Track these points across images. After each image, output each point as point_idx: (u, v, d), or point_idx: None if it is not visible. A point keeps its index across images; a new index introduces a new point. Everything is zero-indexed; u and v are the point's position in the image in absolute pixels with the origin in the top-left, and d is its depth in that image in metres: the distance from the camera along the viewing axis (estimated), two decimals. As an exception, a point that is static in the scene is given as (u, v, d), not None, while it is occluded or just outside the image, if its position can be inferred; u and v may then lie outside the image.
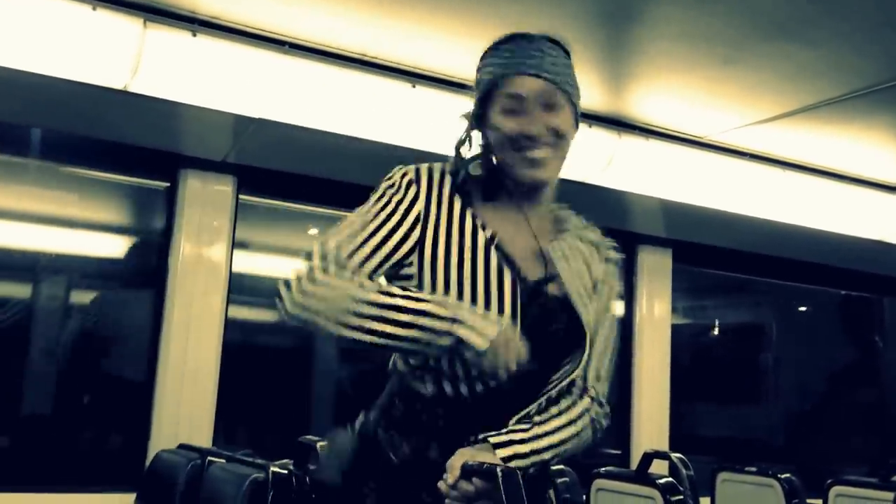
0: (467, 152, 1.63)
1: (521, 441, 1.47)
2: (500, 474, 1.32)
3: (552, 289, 1.56)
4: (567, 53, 1.63)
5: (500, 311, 1.49)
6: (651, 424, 4.19)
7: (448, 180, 1.58)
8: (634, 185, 3.57)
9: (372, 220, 1.52)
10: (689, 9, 2.49)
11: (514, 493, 1.30)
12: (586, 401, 1.57)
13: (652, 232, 4.27)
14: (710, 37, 2.66)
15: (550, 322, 1.54)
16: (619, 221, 4.13)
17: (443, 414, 1.51)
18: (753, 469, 3.45)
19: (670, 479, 2.73)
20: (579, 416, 1.56)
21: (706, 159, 3.62)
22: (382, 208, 1.53)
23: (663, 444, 4.10)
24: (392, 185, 1.56)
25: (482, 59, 1.64)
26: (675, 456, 3.23)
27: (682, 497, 2.62)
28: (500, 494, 1.30)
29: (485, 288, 1.50)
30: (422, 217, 1.54)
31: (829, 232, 4.05)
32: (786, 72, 2.89)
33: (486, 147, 1.62)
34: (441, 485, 1.39)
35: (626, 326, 4.30)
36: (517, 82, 1.57)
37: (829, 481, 3.29)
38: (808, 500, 3.27)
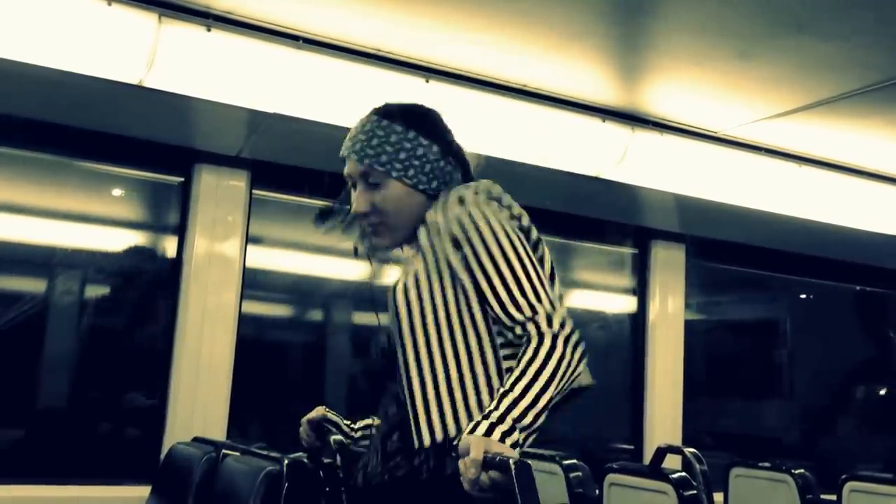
0: None
1: (509, 410, 1.45)
2: (513, 467, 1.32)
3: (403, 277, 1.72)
4: (404, 124, 1.76)
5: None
6: (664, 419, 4.18)
7: None
8: (648, 179, 3.56)
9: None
10: (704, 2, 2.49)
11: (528, 484, 1.30)
12: (545, 343, 1.52)
13: (666, 227, 4.26)
14: (726, 31, 2.66)
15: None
16: (633, 216, 4.12)
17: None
18: (767, 464, 3.43)
19: (684, 473, 2.71)
20: (546, 358, 1.51)
21: (721, 154, 3.61)
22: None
23: (676, 439, 4.10)
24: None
25: None
26: (688, 451, 3.21)
27: (695, 492, 2.59)
28: (513, 486, 1.31)
29: None
30: None
31: (845, 227, 4.03)
32: (801, 66, 2.88)
33: None
34: (464, 481, 1.39)
35: (639, 322, 4.30)
36: (347, 164, 1.78)
37: (843, 477, 3.27)
38: (823, 496, 3.26)
